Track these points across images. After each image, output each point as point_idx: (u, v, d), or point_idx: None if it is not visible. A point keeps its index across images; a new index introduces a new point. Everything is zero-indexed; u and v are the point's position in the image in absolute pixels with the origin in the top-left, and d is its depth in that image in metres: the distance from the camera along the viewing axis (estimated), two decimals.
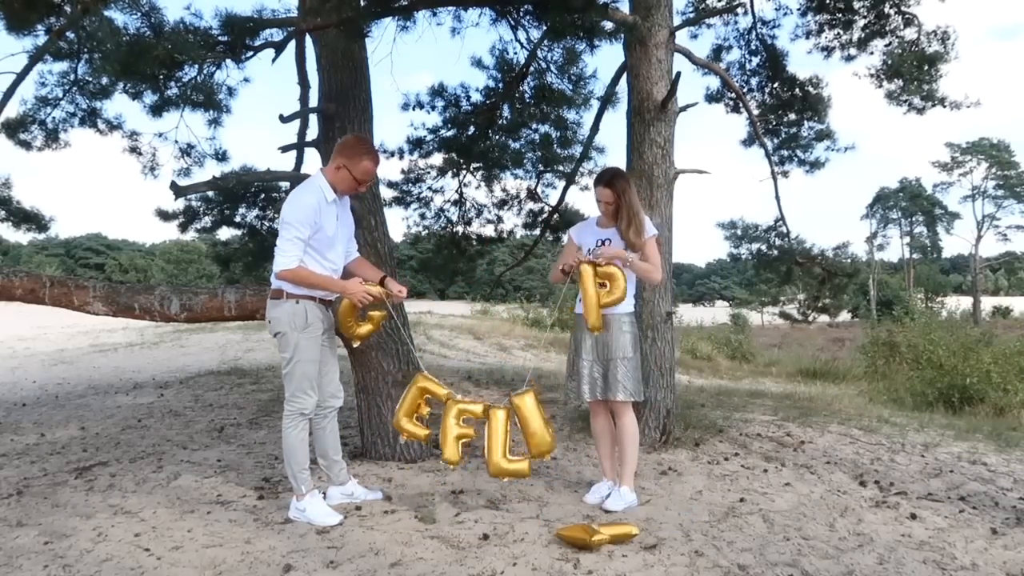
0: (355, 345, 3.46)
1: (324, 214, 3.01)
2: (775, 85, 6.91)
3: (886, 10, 6.30)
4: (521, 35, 6.39)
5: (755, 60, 7.05)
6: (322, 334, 3.12)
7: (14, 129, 5.88)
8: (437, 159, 7.26)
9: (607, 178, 3.28)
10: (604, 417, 3.45)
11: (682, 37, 6.02)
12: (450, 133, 7.00)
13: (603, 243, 3.31)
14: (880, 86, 6.68)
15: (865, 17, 6.46)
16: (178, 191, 4.08)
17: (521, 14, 5.77)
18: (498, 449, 2.97)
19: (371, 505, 3.27)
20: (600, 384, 3.32)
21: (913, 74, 6.31)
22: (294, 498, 3.11)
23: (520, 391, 3.07)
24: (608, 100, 6.09)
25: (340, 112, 4.23)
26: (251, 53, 4.14)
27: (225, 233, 7.44)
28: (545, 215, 7.36)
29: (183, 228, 6.98)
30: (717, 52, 7.12)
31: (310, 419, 3.16)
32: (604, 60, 28.61)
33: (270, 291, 3.09)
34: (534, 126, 7.14)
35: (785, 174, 7.11)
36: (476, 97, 6.85)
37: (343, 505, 3.23)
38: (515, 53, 6.59)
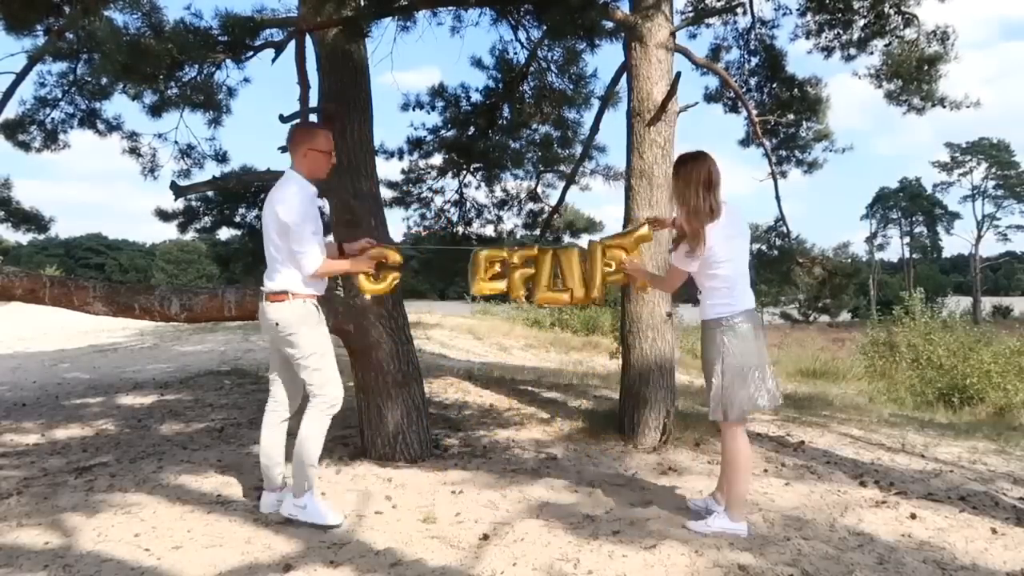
0: (368, 297, 3.56)
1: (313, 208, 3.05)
2: (774, 85, 6.91)
3: (886, 10, 6.29)
4: (521, 35, 6.39)
5: (754, 60, 7.05)
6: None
7: (13, 130, 5.87)
8: (437, 159, 7.27)
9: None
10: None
11: (681, 37, 6.01)
12: (450, 133, 7.00)
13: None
14: (880, 86, 6.67)
15: (865, 17, 6.45)
16: (178, 191, 4.09)
17: (521, 14, 5.77)
18: (543, 282, 3.22)
19: (372, 505, 3.27)
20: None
21: (912, 74, 6.30)
22: (290, 495, 3.06)
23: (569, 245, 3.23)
24: (608, 100, 6.09)
25: (340, 112, 4.23)
26: (251, 53, 4.13)
27: (225, 233, 7.45)
28: (545, 215, 7.36)
29: (183, 228, 6.99)
30: (716, 52, 7.12)
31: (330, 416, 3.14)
32: (604, 60, 28.57)
33: (266, 294, 3.04)
34: (534, 126, 7.13)
35: (784, 174, 7.12)
36: (476, 97, 6.85)
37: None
38: (515, 53, 6.60)
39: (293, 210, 2.94)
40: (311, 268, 2.97)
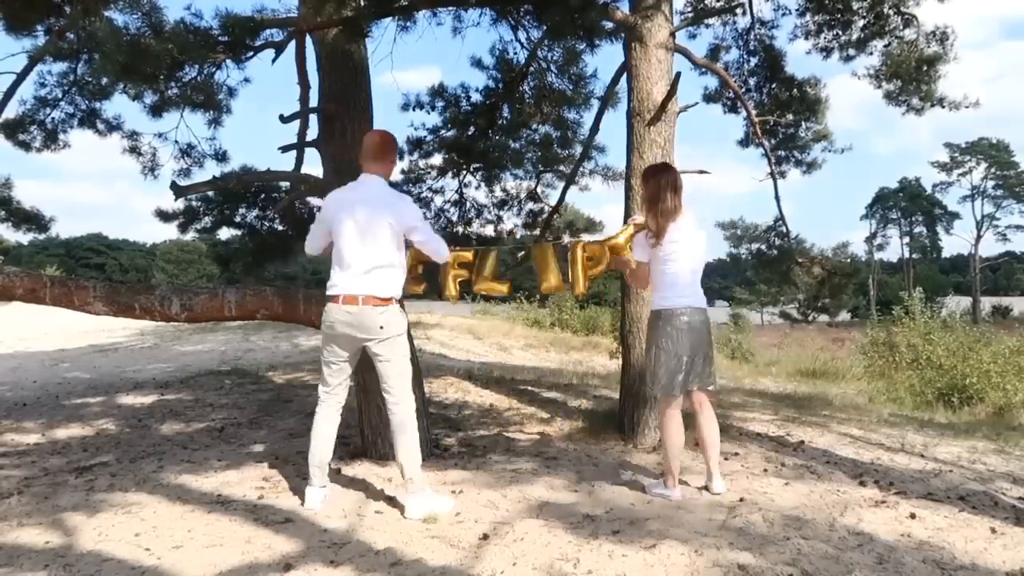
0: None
1: None
2: (773, 85, 6.91)
3: (885, 10, 6.29)
4: (521, 35, 6.39)
5: (753, 60, 7.04)
6: None
7: (13, 130, 5.87)
8: (437, 159, 7.27)
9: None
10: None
11: (681, 37, 6.01)
12: (450, 133, 6.99)
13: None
14: (879, 86, 6.67)
15: (864, 18, 6.45)
16: (178, 191, 4.09)
17: (521, 14, 5.78)
18: (485, 274, 3.74)
19: (372, 505, 3.28)
20: None
21: (912, 75, 6.29)
22: (412, 496, 3.15)
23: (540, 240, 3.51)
24: (608, 100, 6.09)
25: (340, 112, 4.23)
26: (251, 53, 4.13)
27: (225, 233, 7.44)
28: (545, 215, 7.36)
29: (183, 228, 6.97)
30: (715, 52, 7.12)
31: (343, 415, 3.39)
32: (604, 60, 28.61)
33: (364, 298, 3.12)
34: (534, 126, 7.13)
35: (783, 174, 7.11)
36: (476, 97, 6.85)
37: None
38: (515, 53, 6.59)
39: (414, 209, 3.33)
40: (447, 252, 3.42)
